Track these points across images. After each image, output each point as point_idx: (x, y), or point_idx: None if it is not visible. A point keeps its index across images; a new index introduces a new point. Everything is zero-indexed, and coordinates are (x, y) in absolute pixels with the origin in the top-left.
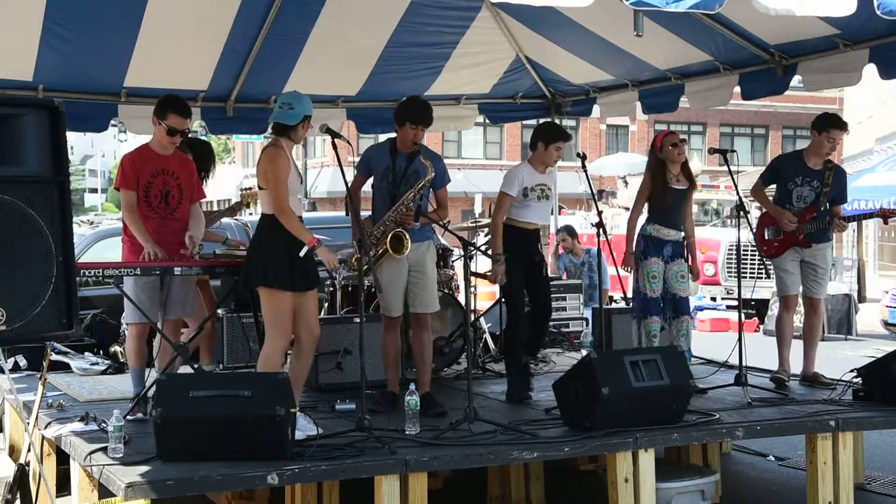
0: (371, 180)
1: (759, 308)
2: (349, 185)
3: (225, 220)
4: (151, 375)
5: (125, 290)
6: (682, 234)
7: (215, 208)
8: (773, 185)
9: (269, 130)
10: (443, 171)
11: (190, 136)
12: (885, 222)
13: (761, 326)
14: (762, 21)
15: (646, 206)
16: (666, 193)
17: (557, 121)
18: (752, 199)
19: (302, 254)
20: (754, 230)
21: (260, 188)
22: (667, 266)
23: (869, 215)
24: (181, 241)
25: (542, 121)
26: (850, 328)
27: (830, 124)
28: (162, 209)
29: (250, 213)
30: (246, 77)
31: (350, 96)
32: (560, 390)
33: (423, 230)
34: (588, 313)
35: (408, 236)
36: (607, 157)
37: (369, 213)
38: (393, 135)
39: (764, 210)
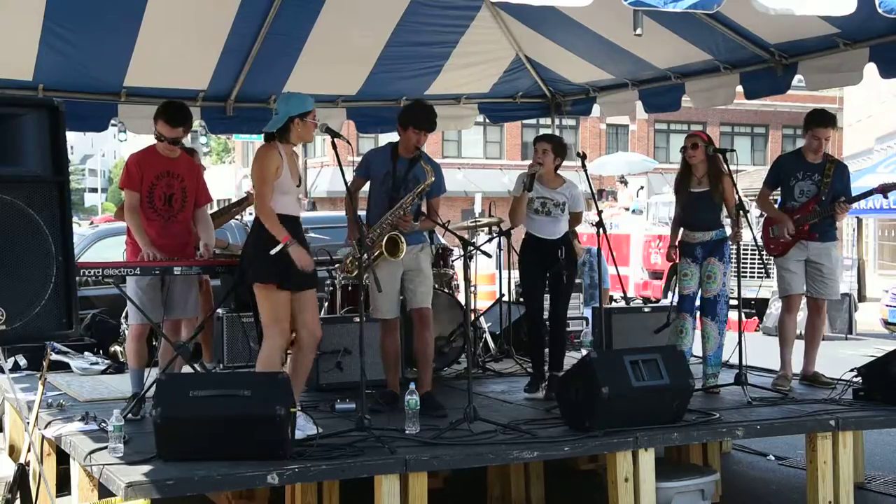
0: (369, 183)
1: (758, 307)
2: (349, 185)
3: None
4: (153, 375)
5: (126, 291)
6: (715, 232)
7: (215, 208)
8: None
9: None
10: (441, 179)
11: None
12: (886, 196)
13: (761, 326)
14: (762, 20)
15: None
16: (684, 195)
17: (557, 120)
18: (751, 199)
19: (273, 252)
20: (760, 229)
21: (254, 187)
22: (700, 267)
23: (869, 193)
24: (183, 244)
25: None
26: (850, 327)
27: (812, 122)
28: (165, 211)
29: (250, 214)
30: (246, 77)
31: (350, 96)
32: (560, 390)
33: (417, 234)
34: (588, 313)
35: (403, 239)
36: (607, 157)
37: (365, 214)
38: (394, 137)
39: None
